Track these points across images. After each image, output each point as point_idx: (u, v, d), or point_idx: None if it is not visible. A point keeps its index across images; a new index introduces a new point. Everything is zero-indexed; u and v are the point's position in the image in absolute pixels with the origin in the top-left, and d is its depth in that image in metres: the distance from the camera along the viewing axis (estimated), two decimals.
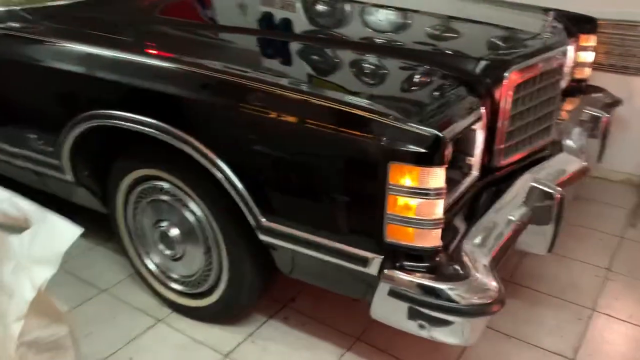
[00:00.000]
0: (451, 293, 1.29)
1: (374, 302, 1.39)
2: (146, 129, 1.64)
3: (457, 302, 1.29)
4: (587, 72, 2.52)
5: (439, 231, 1.32)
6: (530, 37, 1.92)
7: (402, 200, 1.29)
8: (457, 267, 1.36)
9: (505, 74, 1.66)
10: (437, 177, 1.27)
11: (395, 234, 1.33)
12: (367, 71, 1.70)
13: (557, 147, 2.02)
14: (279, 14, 2.29)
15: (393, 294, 1.33)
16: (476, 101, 1.58)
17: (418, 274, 1.33)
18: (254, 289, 1.80)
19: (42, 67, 1.83)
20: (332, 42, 1.94)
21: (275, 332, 1.91)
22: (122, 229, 1.99)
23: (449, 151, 1.27)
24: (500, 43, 1.93)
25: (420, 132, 1.27)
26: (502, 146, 1.73)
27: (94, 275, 2.21)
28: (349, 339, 1.87)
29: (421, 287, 1.30)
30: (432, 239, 1.33)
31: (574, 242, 2.40)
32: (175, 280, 1.93)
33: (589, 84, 2.56)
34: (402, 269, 1.34)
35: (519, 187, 1.70)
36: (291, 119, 1.42)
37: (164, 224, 1.85)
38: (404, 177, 1.27)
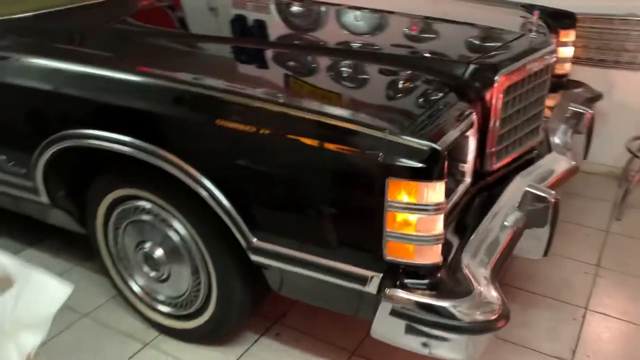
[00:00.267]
0: (454, 311, 1.24)
1: (374, 322, 1.34)
2: (123, 148, 1.56)
3: (461, 320, 1.25)
4: (567, 67, 2.51)
5: (440, 247, 1.28)
6: (517, 38, 1.89)
7: (401, 217, 1.24)
8: (459, 282, 1.32)
9: (496, 77, 1.63)
10: (436, 191, 1.22)
11: (394, 251, 1.28)
12: (354, 80, 1.65)
13: (544, 146, 2.00)
14: (254, 19, 2.22)
15: (395, 313, 1.29)
16: (467, 107, 1.55)
17: (419, 292, 1.28)
18: (245, 307, 1.73)
19: (8, 85, 1.73)
20: (314, 49, 1.88)
21: (268, 350, 1.85)
22: (103, 251, 1.90)
23: (447, 163, 1.23)
24: (487, 45, 1.89)
25: (418, 146, 1.22)
26: (494, 149, 1.70)
27: (73, 298, 2.06)
28: (345, 354, 1.82)
29: (424, 306, 1.26)
30: (433, 255, 1.28)
31: (562, 239, 2.38)
32: (162, 302, 1.85)
33: (569, 78, 2.56)
34: (403, 287, 1.29)
35: (512, 191, 1.67)
36: (278, 133, 1.36)
37: (148, 244, 1.76)
38: (403, 192, 1.22)
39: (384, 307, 1.30)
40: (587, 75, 2.73)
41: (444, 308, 1.24)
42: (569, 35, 2.46)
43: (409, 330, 1.30)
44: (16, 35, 1.88)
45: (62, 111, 1.67)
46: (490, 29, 2.01)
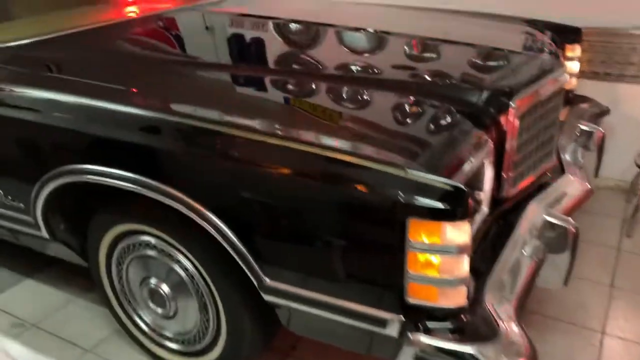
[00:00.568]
0: (481, 356, 1.19)
1: None
2: (126, 184, 1.49)
3: None
4: (573, 83, 2.47)
5: (465, 289, 1.23)
6: (529, 59, 1.85)
7: (423, 258, 1.19)
8: (483, 322, 1.26)
9: (511, 103, 1.58)
10: (461, 231, 1.17)
11: (417, 293, 1.23)
12: (363, 109, 1.59)
13: (557, 167, 1.96)
14: (255, 42, 2.16)
15: (418, 359, 1.23)
16: (483, 134, 1.50)
17: (444, 336, 1.22)
18: (256, 344, 1.67)
19: (5, 117, 1.66)
20: (318, 76, 1.81)
21: None
22: (106, 286, 1.83)
23: (472, 202, 1.18)
24: (498, 68, 1.84)
25: (441, 185, 1.16)
26: (510, 175, 1.65)
27: (75, 332, 2.05)
28: None
29: (450, 352, 1.20)
30: (458, 297, 1.23)
31: None
32: (169, 339, 1.78)
33: (575, 93, 2.52)
34: (427, 330, 1.24)
35: (530, 219, 1.62)
36: (285, 169, 1.30)
37: (153, 280, 1.70)
38: (425, 233, 1.16)
39: (407, 352, 1.24)
40: (592, 89, 2.69)
41: (471, 355, 1.19)
42: (575, 50, 2.43)
43: None
44: (12, 64, 1.81)
45: (62, 146, 1.61)
46: (500, 50, 1.96)
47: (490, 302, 1.32)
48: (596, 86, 2.79)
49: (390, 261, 1.22)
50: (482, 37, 2.11)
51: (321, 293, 1.34)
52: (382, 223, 1.21)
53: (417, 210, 1.15)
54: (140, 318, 1.81)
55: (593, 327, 2.00)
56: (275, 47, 2.13)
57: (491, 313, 1.29)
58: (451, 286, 1.21)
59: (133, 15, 2.34)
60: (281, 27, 2.30)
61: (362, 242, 1.26)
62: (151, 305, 1.74)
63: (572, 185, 1.87)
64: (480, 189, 1.53)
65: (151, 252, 1.66)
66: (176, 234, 1.58)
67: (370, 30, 2.19)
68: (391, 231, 1.19)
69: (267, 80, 1.77)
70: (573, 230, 1.55)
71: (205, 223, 1.42)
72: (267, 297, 1.43)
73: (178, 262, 1.62)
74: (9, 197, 1.77)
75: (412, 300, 1.23)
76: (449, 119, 1.50)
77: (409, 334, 1.24)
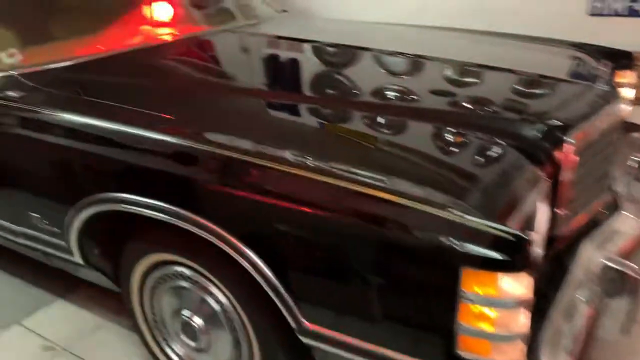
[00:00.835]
0: None
1: None
2: (159, 214, 1.45)
3: None
4: (627, 111, 2.35)
5: (523, 345, 1.13)
6: (584, 89, 1.74)
7: (477, 310, 1.10)
8: None
9: (567, 138, 1.48)
10: (521, 283, 1.08)
11: (468, 347, 1.14)
12: (410, 142, 1.50)
13: (611, 203, 1.84)
14: (293, 69, 2.09)
15: None
16: (538, 172, 1.40)
17: None
18: None
19: (44, 142, 1.65)
20: (360, 105, 1.73)
21: None
22: (138, 314, 1.79)
23: (532, 251, 1.08)
24: (551, 99, 1.75)
25: (500, 233, 1.08)
26: (564, 213, 1.54)
27: (106, 359, 2.01)
28: None
29: None
30: (514, 353, 1.13)
31: None
32: None
33: (628, 121, 2.39)
34: None
35: (585, 262, 1.51)
36: (326, 206, 1.23)
37: (186, 312, 1.65)
38: (480, 285, 1.08)
39: None
40: None
41: None
42: (627, 76, 2.31)
43: None
44: (50, 87, 1.80)
45: (95, 172, 1.58)
46: (551, 79, 1.86)
47: (547, 356, 1.22)
48: None
49: (439, 311, 1.14)
50: (528, 63, 2.01)
51: (363, 340, 1.26)
52: (432, 270, 1.13)
53: (472, 260, 1.07)
54: (172, 349, 1.76)
55: None
56: (312, 72, 2.07)
57: None
58: (507, 342, 1.12)
59: (168, 38, 2.31)
60: (319, 51, 2.25)
61: (409, 288, 1.18)
62: (183, 337, 1.69)
63: (627, 223, 1.75)
64: (534, 229, 1.43)
65: (184, 284, 1.61)
66: (210, 266, 1.52)
67: (410, 54, 2.11)
68: (442, 279, 1.11)
69: (305, 109, 1.72)
70: (634, 275, 1.44)
71: (240, 257, 1.36)
72: (305, 340, 1.36)
73: (211, 294, 1.57)
74: (45, 221, 1.75)
75: (462, 354, 1.14)
76: (501, 154, 1.41)
77: None
